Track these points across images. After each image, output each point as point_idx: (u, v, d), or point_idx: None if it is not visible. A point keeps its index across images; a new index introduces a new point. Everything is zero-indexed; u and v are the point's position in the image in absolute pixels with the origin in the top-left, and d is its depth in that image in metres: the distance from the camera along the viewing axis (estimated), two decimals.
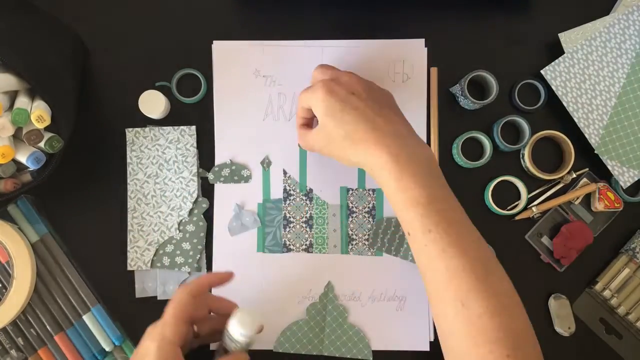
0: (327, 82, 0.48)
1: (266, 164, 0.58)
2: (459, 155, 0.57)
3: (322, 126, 0.48)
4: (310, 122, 0.54)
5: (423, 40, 0.58)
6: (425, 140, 0.58)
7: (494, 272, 0.44)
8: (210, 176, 0.57)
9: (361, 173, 0.58)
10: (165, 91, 0.57)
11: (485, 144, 0.57)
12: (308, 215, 0.57)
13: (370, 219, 0.57)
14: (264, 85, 0.58)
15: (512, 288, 0.44)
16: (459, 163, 0.58)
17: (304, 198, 0.57)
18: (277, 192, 0.58)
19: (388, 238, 0.57)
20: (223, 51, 0.58)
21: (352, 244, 0.57)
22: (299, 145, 0.57)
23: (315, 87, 0.48)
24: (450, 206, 0.45)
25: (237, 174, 0.57)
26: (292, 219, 0.57)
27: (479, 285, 0.42)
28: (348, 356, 0.55)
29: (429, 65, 0.58)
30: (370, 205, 0.57)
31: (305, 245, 0.57)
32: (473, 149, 0.58)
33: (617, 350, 0.58)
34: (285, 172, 0.58)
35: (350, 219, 0.57)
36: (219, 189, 0.57)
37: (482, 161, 0.57)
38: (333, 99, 0.46)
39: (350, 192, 0.58)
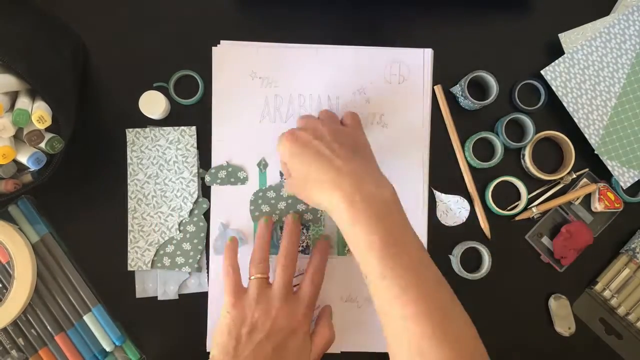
0: (292, 130, 0.49)
1: (262, 165, 0.58)
2: (471, 156, 0.57)
3: (291, 171, 0.50)
4: None
5: (423, 50, 0.58)
6: (428, 156, 0.58)
7: (453, 318, 0.42)
8: (207, 178, 0.57)
9: None
10: (164, 92, 0.57)
11: (496, 143, 0.57)
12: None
13: None
14: (260, 86, 0.58)
15: (473, 333, 0.43)
16: (472, 164, 0.58)
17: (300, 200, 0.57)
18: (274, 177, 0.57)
19: None
20: (220, 53, 0.58)
21: (348, 246, 0.57)
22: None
23: (281, 137, 0.49)
24: (406, 250, 0.43)
25: (234, 175, 0.57)
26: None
27: (436, 333, 0.40)
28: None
29: (426, 66, 0.58)
30: None
31: (302, 247, 0.57)
32: (480, 149, 0.58)
33: (617, 350, 0.58)
34: (281, 174, 0.58)
35: None
36: (216, 190, 0.57)
37: (495, 161, 0.57)
38: (295, 144, 0.48)
39: None
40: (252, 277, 0.51)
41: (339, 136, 0.49)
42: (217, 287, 0.56)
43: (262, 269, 0.52)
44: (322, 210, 0.57)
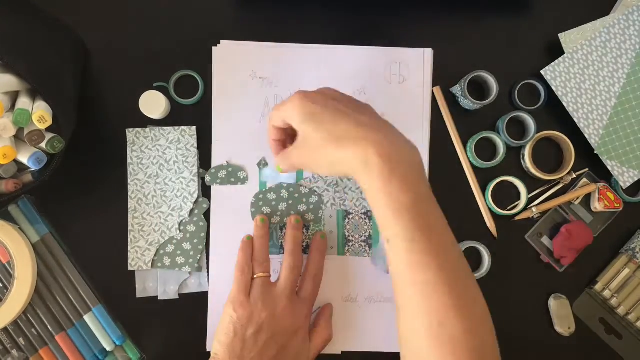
0: (302, 91, 0.46)
1: (263, 165, 0.58)
2: (474, 156, 0.57)
3: (301, 136, 0.45)
4: (284, 142, 0.51)
5: (423, 50, 0.58)
6: (427, 148, 0.58)
7: (471, 289, 0.42)
8: (207, 178, 0.57)
9: None
10: (164, 92, 0.57)
11: (497, 143, 0.57)
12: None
13: (367, 220, 0.57)
14: (260, 86, 0.58)
15: (485, 306, 0.42)
16: (474, 164, 0.58)
17: None
18: (290, 177, 0.57)
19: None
20: (220, 53, 0.58)
21: (348, 246, 0.57)
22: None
23: (290, 98, 0.45)
24: (435, 215, 0.42)
25: (234, 175, 0.57)
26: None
27: (458, 303, 0.39)
28: None
29: (426, 66, 0.58)
30: (367, 207, 0.57)
31: (302, 247, 0.57)
32: (480, 149, 0.58)
33: (617, 350, 0.58)
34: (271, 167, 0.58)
35: (347, 220, 0.57)
36: (216, 190, 0.57)
37: (498, 160, 0.57)
38: (310, 103, 0.44)
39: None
40: (256, 276, 0.51)
41: (352, 100, 0.46)
42: (217, 287, 0.56)
43: (266, 268, 0.52)
44: (322, 210, 0.57)
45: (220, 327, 0.50)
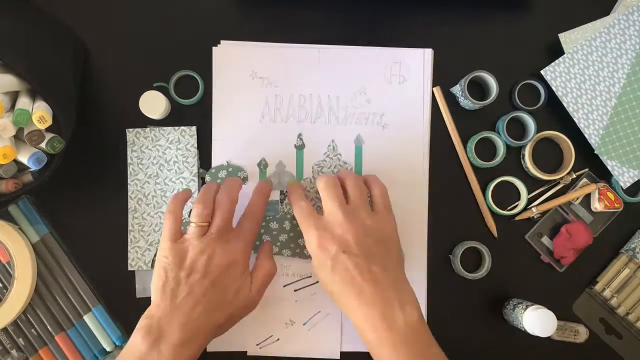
0: (320, 234, 0.49)
1: (263, 165, 0.58)
2: (474, 156, 0.57)
3: (315, 270, 0.50)
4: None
5: (423, 50, 0.58)
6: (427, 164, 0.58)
7: None
8: (208, 178, 0.57)
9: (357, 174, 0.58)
10: (164, 92, 0.57)
11: (498, 143, 0.57)
12: None
13: None
14: (260, 86, 0.58)
15: None
16: (474, 164, 0.58)
17: None
18: (274, 194, 0.57)
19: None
20: (221, 53, 0.58)
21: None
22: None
23: (310, 232, 0.49)
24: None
25: (234, 175, 0.57)
26: (288, 221, 0.57)
27: None
28: None
29: (426, 66, 0.58)
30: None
31: (302, 246, 0.57)
32: (480, 149, 0.58)
33: (617, 350, 0.58)
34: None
35: None
36: None
37: (498, 160, 0.57)
38: (324, 256, 0.48)
39: None
40: (192, 223, 0.50)
41: (364, 246, 0.48)
42: None
43: (204, 218, 0.50)
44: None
45: (154, 275, 0.49)
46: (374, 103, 0.58)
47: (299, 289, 0.57)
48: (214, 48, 0.58)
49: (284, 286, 0.57)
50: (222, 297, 0.48)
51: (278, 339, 0.56)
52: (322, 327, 0.57)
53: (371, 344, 0.46)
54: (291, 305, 0.57)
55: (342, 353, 0.57)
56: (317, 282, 0.57)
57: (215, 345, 0.56)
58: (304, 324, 0.57)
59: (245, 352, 0.57)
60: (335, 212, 0.49)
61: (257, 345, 0.56)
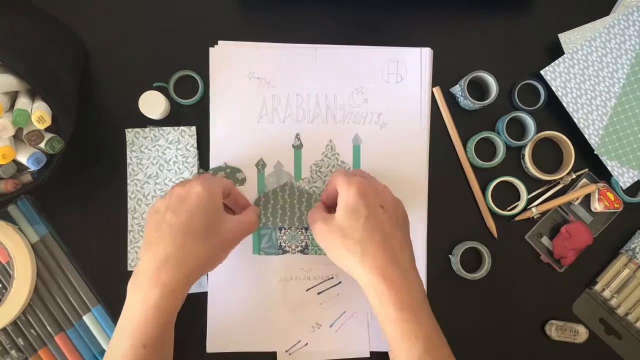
0: (364, 183, 0.48)
1: (261, 166, 0.58)
2: (473, 156, 0.57)
3: (339, 221, 0.47)
4: (331, 203, 0.52)
5: (420, 49, 0.58)
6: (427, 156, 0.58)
7: None
8: None
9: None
10: (164, 92, 0.57)
11: (497, 143, 0.57)
12: None
13: None
14: (258, 87, 0.58)
15: None
16: (474, 164, 0.58)
17: None
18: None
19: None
20: (218, 53, 0.58)
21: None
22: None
23: (352, 181, 0.48)
24: (442, 344, 0.46)
25: (232, 177, 0.57)
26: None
27: None
28: None
29: (424, 65, 0.58)
30: None
31: (301, 246, 0.57)
32: (480, 149, 0.58)
33: (617, 350, 0.58)
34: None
35: None
36: None
37: (497, 160, 0.57)
38: (363, 202, 0.47)
39: None
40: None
41: (397, 211, 0.49)
42: (216, 287, 0.56)
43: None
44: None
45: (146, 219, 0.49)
46: (371, 102, 0.58)
47: (322, 291, 0.57)
48: (211, 49, 0.57)
49: (307, 290, 0.57)
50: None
51: (307, 344, 0.56)
52: (349, 326, 0.57)
53: (388, 311, 0.45)
54: (316, 308, 0.57)
55: (371, 353, 0.57)
56: (340, 282, 0.57)
57: (244, 346, 0.56)
58: (331, 326, 0.57)
59: (275, 352, 0.57)
60: (374, 180, 0.51)
61: (286, 351, 0.56)
